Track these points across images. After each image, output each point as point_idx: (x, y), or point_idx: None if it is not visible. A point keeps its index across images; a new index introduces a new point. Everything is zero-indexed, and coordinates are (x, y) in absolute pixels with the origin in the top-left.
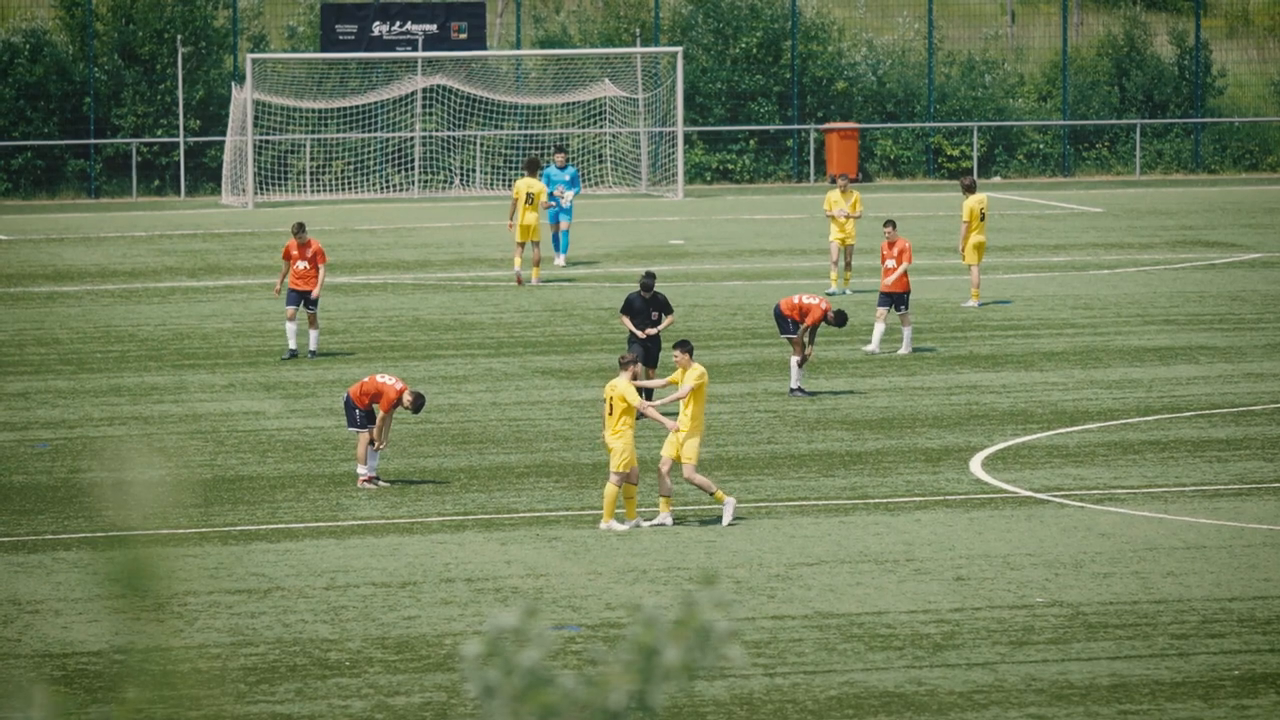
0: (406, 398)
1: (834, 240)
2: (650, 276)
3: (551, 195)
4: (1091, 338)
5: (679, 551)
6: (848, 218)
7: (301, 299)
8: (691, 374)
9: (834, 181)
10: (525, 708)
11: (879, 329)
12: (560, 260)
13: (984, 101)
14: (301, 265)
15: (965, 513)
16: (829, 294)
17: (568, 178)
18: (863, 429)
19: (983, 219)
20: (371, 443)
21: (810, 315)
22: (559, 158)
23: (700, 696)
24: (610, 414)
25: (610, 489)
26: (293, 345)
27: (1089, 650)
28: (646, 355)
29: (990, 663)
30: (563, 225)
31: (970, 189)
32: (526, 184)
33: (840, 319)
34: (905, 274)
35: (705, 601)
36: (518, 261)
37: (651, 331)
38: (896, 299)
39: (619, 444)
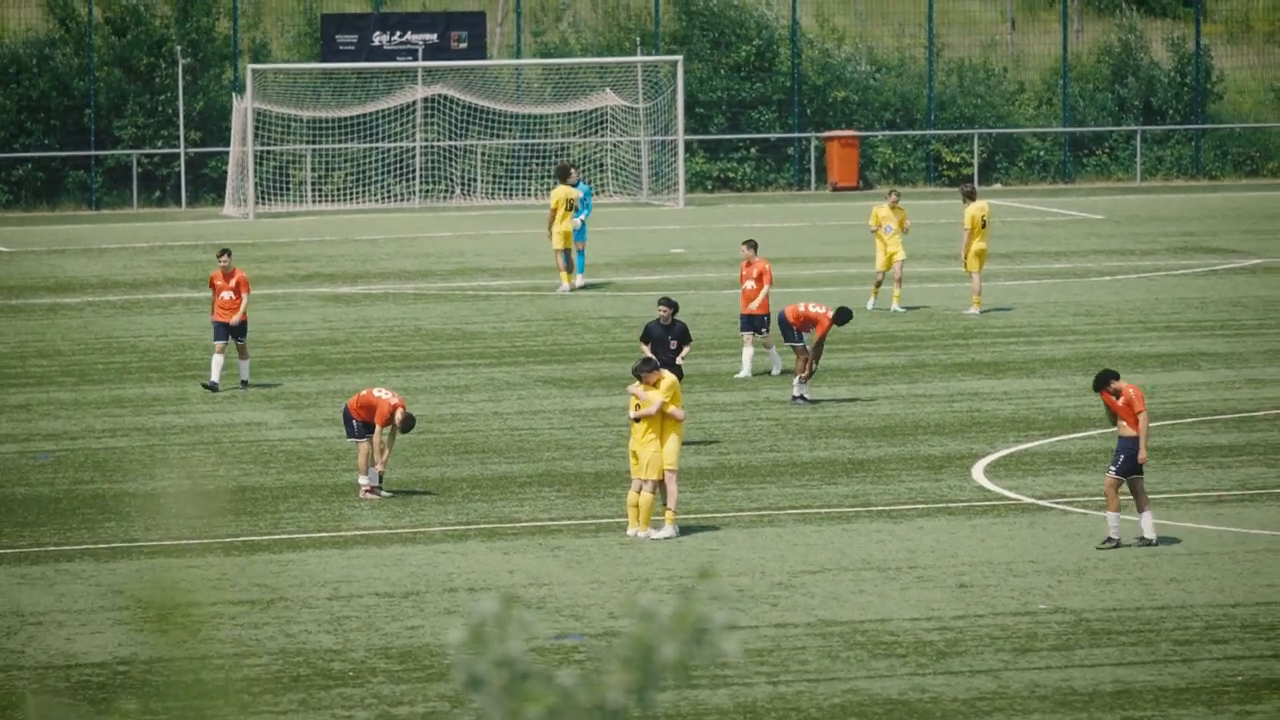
0: (399, 415)
1: (882, 258)
2: (669, 303)
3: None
4: (1093, 344)
5: (682, 560)
6: (893, 234)
7: (229, 331)
8: (662, 386)
9: (895, 183)
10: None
11: (748, 353)
12: (578, 280)
13: (984, 109)
14: (226, 295)
15: (968, 520)
16: (893, 311)
17: (580, 194)
18: (865, 436)
19: (984, 226)
20: (373, 459)
21: (819, 325)
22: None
23: (704, 705)
24: (637, 424)
25: (646, 497)
26: (214, 378)
27: (1092, 657)
28: None
29: (994, 670)
30: (577, 245)
31: (970, 196)
32: (564, 191)
33: (842, 316)
34: (766, 297)
35: (703, 596)
36: (565, 276)
37: (679, 361)
38: (757, 321)
39: (647, 452)
